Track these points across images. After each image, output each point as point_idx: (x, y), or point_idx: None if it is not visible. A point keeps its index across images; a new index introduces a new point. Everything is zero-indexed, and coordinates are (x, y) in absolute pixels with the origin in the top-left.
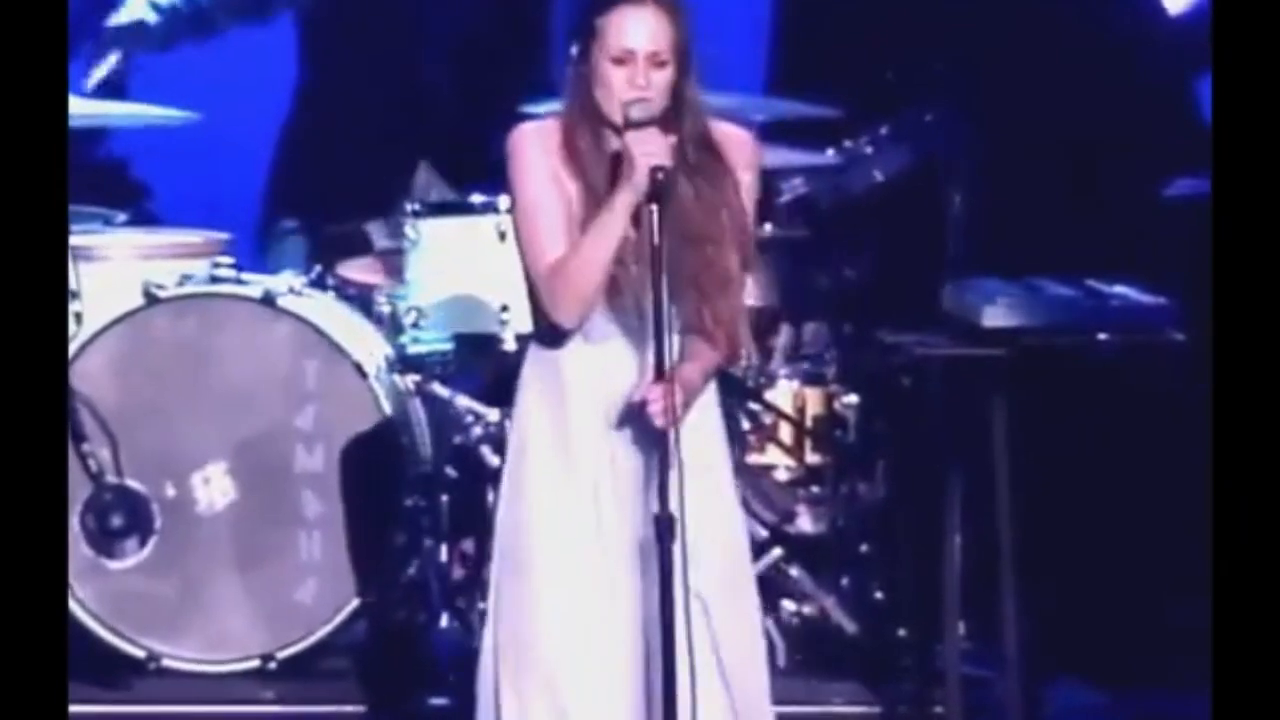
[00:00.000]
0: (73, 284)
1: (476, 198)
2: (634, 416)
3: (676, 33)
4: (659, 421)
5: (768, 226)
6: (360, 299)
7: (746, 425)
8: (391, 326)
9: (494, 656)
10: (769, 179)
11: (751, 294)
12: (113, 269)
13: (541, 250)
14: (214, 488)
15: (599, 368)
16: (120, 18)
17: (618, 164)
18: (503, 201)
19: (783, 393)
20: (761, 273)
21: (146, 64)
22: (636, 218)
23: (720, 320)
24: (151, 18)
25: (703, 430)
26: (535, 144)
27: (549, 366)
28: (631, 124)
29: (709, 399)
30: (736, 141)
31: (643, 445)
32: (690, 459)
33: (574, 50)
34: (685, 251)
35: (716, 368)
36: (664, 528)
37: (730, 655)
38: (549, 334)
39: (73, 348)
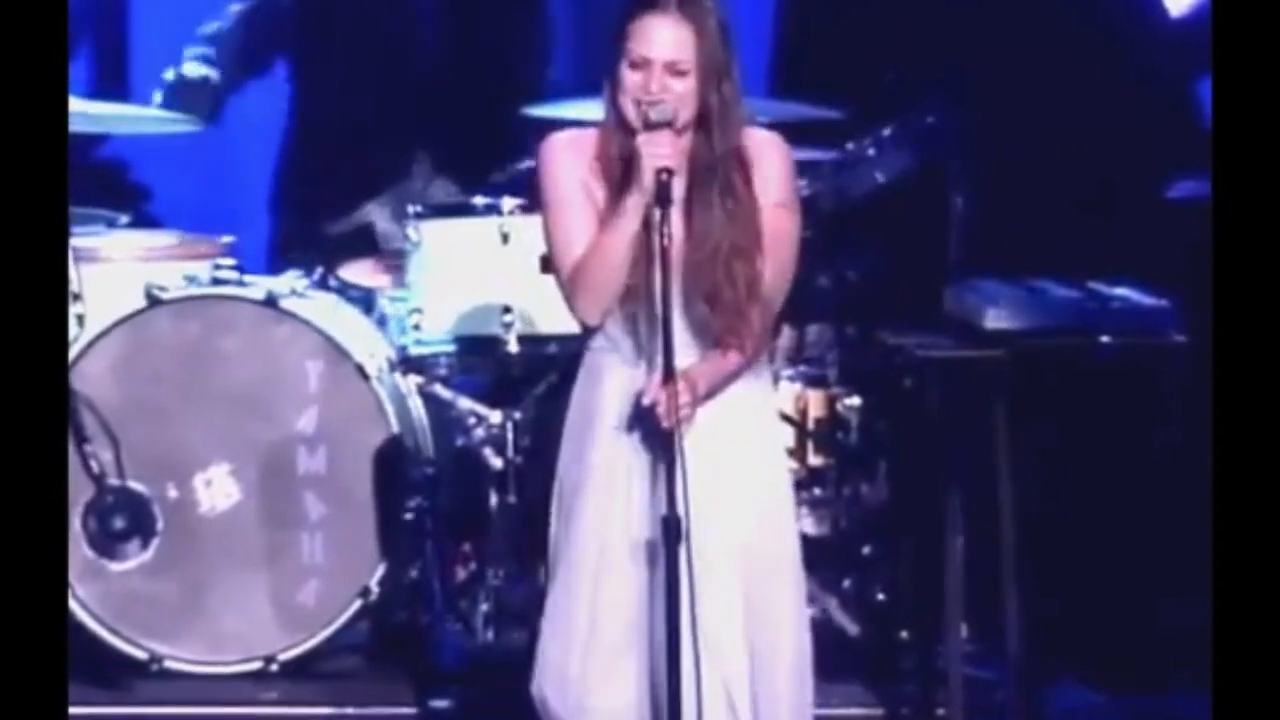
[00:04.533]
0: (75, 286)
1: (479, 200)
2: (645, 418)
3: (702, 43)
4: (665, 423)
5: None
6: (363, 300)
7: None
8: (394, 328)
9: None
10: None
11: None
12: (115, 271)
13: (566, 253)
14: (216, 489)
15: (634, 385)
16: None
17: (631, 167)
18: (505, 203)
19: (785, 395)
20: None
21: (148, 67)
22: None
23: (745, 332)
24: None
25: (766, 442)
26: (565, 150)
27: (593, 383)
28: (648, 125)
29: (766, 411)
30: (769, 147)
31: (664, 447)
32: (755, 474)
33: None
34: (715, 264)
35: (732, 371)
36: (670, 529)
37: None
38: (587, 338)
39: (75, 349)
